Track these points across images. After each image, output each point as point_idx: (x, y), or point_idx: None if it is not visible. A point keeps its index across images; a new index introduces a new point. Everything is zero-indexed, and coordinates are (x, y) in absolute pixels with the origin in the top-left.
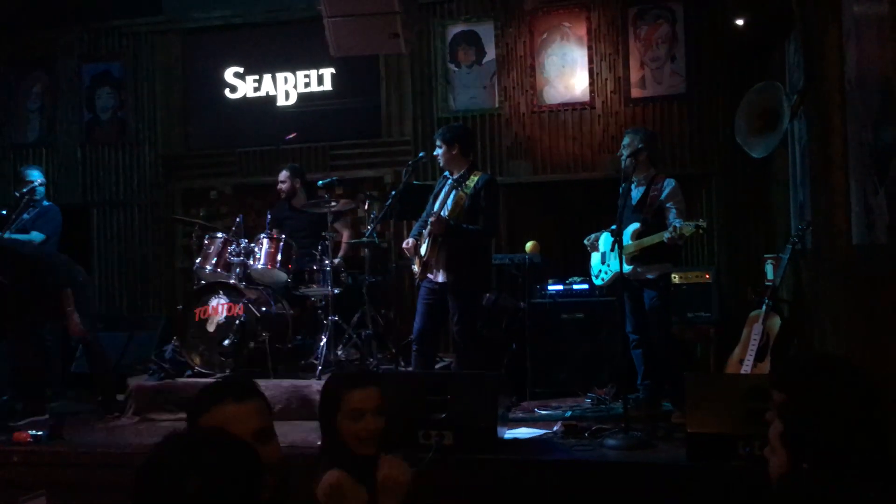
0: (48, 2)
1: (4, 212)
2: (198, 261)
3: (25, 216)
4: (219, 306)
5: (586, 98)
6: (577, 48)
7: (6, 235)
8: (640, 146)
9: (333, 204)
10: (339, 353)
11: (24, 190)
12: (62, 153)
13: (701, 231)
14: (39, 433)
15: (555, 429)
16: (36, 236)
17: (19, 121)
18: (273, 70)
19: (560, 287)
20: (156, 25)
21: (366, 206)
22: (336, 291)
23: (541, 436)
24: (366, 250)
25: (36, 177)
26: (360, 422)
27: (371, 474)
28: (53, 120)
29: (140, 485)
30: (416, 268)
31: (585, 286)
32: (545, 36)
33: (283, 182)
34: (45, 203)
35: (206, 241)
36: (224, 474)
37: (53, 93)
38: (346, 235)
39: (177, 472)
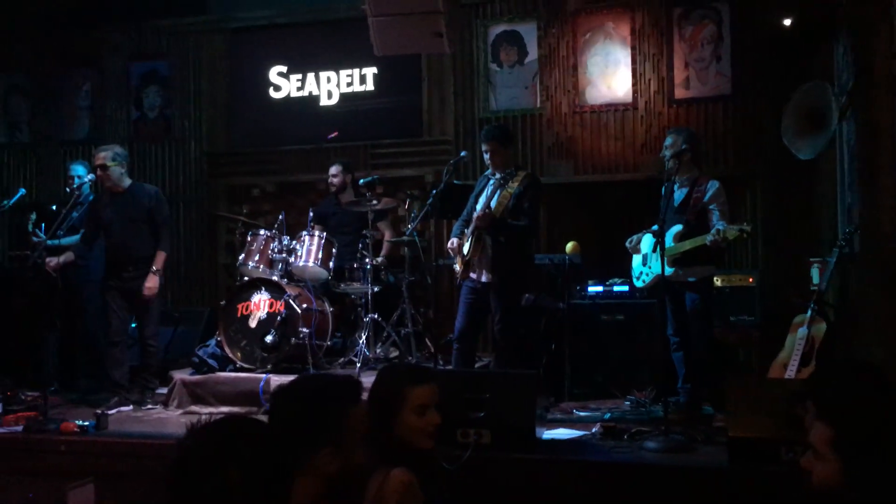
0: (98, 2)
1: (54, 207)
2: (241, 257)
3: (74, 214)
4: (261, 302)
5: (629, 98)
6: (621, 48)
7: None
8: (683, 146)
9: (375, 202)
10: (378, 350)
11: (73, 187)
12: None
13: (745, 235)
14: (86, 423)
15: (593, 430)
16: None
17: (69, 118)
18: (316, 69)
19: (600, 288)
20: (201, 25)
21: (406, 205)
22: (376, 289)
23: (579, 437)
24: (406, 249)
25: (80, 172)
26: (425, 416)
27: (426, 469)
28: (102, 117)
29: (177, 477)
30: (457, 267)
31: (625, 288)
32: (588, 36)
33: (334, 176)
34: (91, 198)
35: (249, 238)
36: (261, 465)
37: (102, 91)
38: (387, 234)
39: (215, 464)
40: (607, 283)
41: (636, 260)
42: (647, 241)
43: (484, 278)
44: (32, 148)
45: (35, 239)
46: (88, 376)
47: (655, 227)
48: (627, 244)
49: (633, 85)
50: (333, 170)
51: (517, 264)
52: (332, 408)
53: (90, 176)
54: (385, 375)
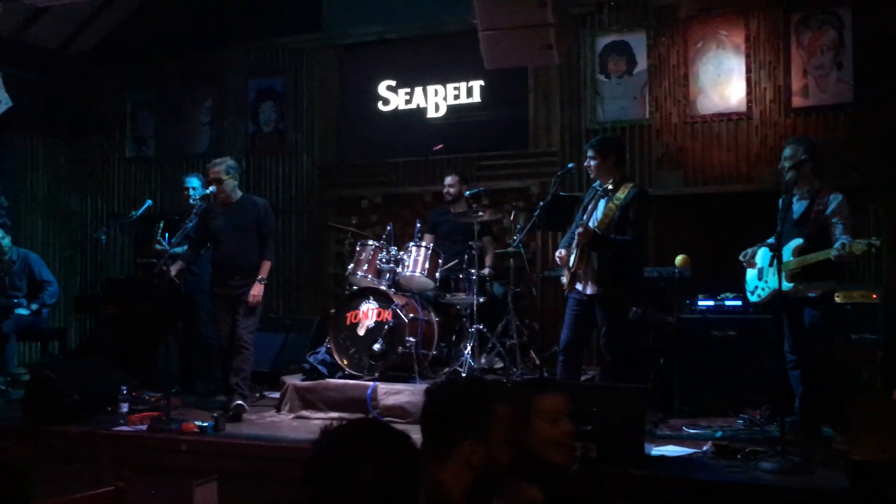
0: (218, 22)
1: (177, 217)
2: (350, 266)
3: (189, 224)
4: (369, 311)
5: (743, 108)
6: (734, 56)
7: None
8: (803, 157)
9: (482, 214)
10: (483, 361)
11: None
12: None
13: (873, 250)
14: (205, 424)
15: (704, 448)
16: None
17: (191, 133)
18: (424, 83)
19: (711, 303)
20: (315, 42)
21: (511, 217)
22: (481, 300)
23: (689, 454)
24: (511, 261)
25: (195, 184)
26: (558, 425)
27: (560, 487)
28: (221, 132)
29: (312, 475)
30: (564, 279)
31: (738, 302)
32: (700, 44)
33: (451, 186)
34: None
35: (358, 248)
36: (394, 464)
37: (222, 107)
38: (491, 247)
39: (349, 463)
40: (719, 297)
41: (751, 274)
42: (762, 255)
43: (590, 290)
44: (157, 161)
45: (158, 248)
46: (204, 379)
47: (772, 241)
48: (742, 258)
49: (748, 94)
50: (450, 180)
51: (624, 277)
52: (476, 401)
53: (211, 188)
54: (513, 387)
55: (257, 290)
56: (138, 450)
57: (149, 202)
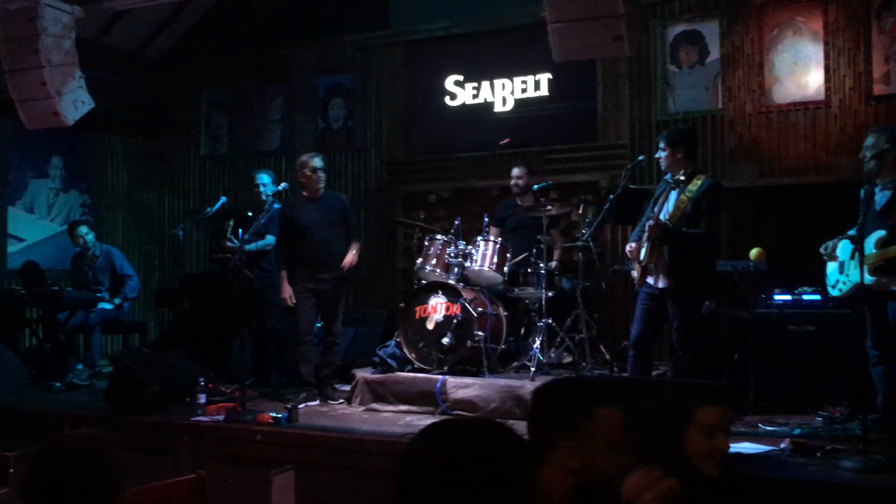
0: (288, 22)
1: (250, 213)
2: (419, 261)
3: (262, 221)
4: (438, 305)
5: (821, 96)
6: (812, 43)
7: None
8: (885, 147)
9: (550, 207)
10: (552, 355)
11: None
12: None
13: None
14: (279, 415)
15: (782, 446)
16: (270, 239)
17: (263, 131)
18: (491, 77)
19: (788, 297)
20: (383, 38)
21: (580, 211)
22: (549, 294)
23: (766, 452)
24: (580, 254)
25: (265, 180)
26: (714, 439)
27: (699, 493)
28: (292, 129)
29: (405, 470)
30: (635, 272)
31: (817, 297)
32: (775, 32)
33: (519, 178)
34: (276, 206)
35: (426, 243)
36: (485, 464)
37: (292, 104)
38: (559, 240)
39: (443, 462)
40: (796, 291)
41: (831, 267)
42: (843, 248)
43: (661, 284)
44: (231, 159)
45: (229, 244)
46: (278, 372)
47: (853, 233)
48: (822, 251)
49: (826, 82)
50: (517, 171)
51: (696, 270)
52: (576, 403)
53: (283, 185)
54: (670, 391)
55: (351, 258)
56: (215, 440)
57: (223, 199)
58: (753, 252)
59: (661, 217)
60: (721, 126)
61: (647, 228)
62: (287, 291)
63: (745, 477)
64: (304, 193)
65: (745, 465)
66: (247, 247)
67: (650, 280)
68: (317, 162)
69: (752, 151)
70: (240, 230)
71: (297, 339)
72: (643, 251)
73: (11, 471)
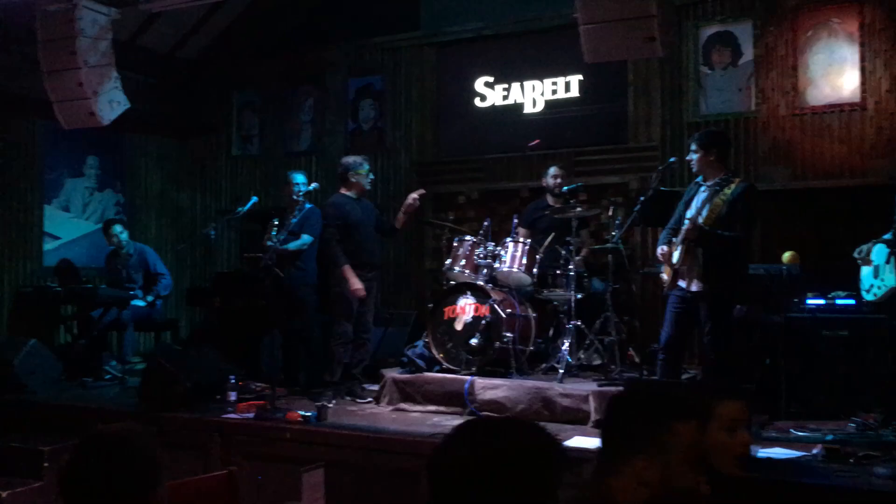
0: (319, 24)
1: (276, 220)
2: (447, 262)
3: (294, 220)
4: (466, 306)
5: (856, 98)
6: (847, 45)
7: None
8: None
9: (579, 209)
10: (581, 357)
11: (298, 194)
12: (329, 160)
13: None
14: (308, 414)
15: (814, 452)
16: (306, 239)
17: (294, 131)
18: (521, 78)
19: (821, 301)
20: (413, 40)
21: (609, 213)
22: (578, 296)
23: (798, 458)
24: (609, 257)
25: (301, 179)
26: (736, 435)
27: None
28: (322, 130)
29: (438, 465)
30: (664, 275)
31: (851, 301)
32: (810, 33)
33: (555, 177)
34: (308, 206)
35: (455, 244)
36: (521, 465)
37: (323, 105)
38: (587, 242)
39: (476, 455)
40: (829, 295)
41: (866, 272)
42: (878, 252)
43: (694, 287)
44: (262, 159)
45: (269, 243)
46: (307, 371)
47: (889, 237)
48: (856, 255)
49: (862, 84)
50: (554, 171)
51: (730, 274)
52: (652, 415)
53: (314, 185)
54: (632, 401)
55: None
56: (246, 437)
57: (254, 199)
58: (786, 255)
59: (698, 220)
60: (754, 128)
61: (683, 231)
62: (357, 283)
63: (776, 482)
64: (349, 193)
65: (777, 471)
66: (285, 246)
67: (682, 283)
68: (365, 164)
69: (785, 154)
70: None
71: (336, 338)
72: (676, 254)
73: (46, 465)
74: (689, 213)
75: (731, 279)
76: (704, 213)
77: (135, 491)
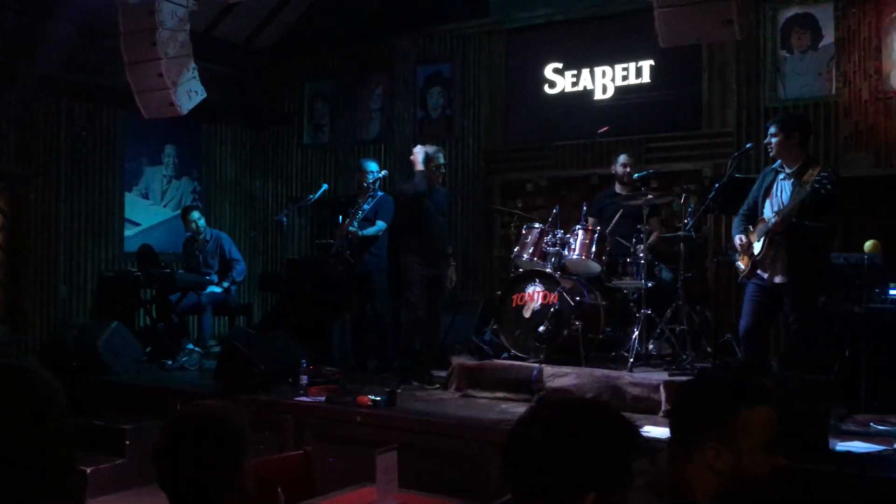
0: (389, 13)
1: (340, 219)
2: (516, 249)
3: (366, 207)
4: (534, 293)
5: None
6: None
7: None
8: None
9: (650, 196)
10: (651, 347)
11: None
12: (398, 149)
13: None
14: (378, 398)
15: (894, 446)
16: (381, 225)
17: (363, 120)
18: (591, 64)
19: None
20: (482, 27)
21: (682, 200)
22: (649, 285)
23: (878, 451)
24: (682, 245)
25: (373, 168)
26: (773, 457)
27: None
28: (391, 118)
29: (513, 444)
30: (740, 264)
31: None
32: (895, 14)
33: (624, 166)
34: (380, 193)
35: (523, 231)
36: (598, 439)
37: (392, 94)
38: (658, 230)
39: (551, 435)
40: None
41: None
42: None
43: (778, 279)
44: (332, 148)
45: (351, 229)
46: (377, 356)
47: None
48: None
49: None
50: (624, 159)
51: (815, 266)
52: (721, 402)
53: (384, 172)
54: (699, 388)
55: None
56: (317, 420)
57: (325, 186)
58: (868, 244)
59: (777, 209)
60: (835, 113)
61: (770, 224)
62: None
63: (855, 476)
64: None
65: (856, 464)
66: (362, 232)
67: (763, 273)
68: (440, 154)
69: (868, 140)
70: (339, 217)
71: (408, 325)
72: (757, 245)
73: (127, 442)
74: (773, 204)
75: (817, 271)
76: (785, 201)
77: (225, 465)
